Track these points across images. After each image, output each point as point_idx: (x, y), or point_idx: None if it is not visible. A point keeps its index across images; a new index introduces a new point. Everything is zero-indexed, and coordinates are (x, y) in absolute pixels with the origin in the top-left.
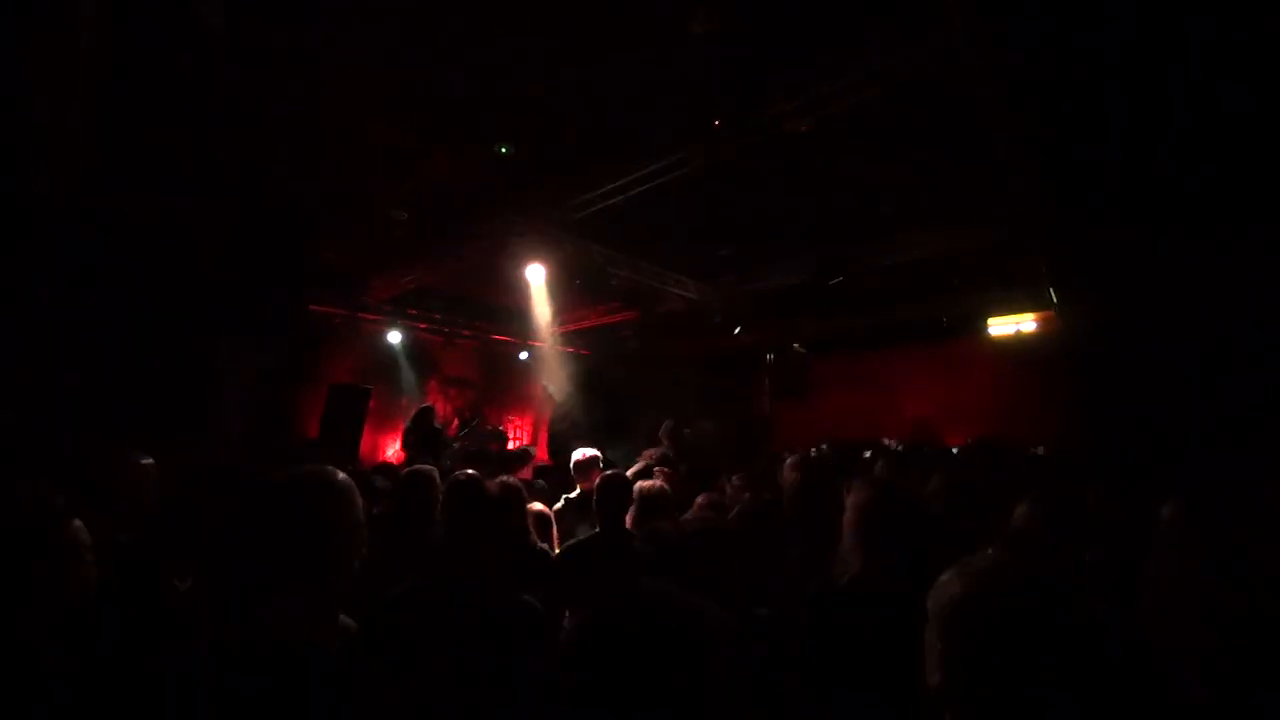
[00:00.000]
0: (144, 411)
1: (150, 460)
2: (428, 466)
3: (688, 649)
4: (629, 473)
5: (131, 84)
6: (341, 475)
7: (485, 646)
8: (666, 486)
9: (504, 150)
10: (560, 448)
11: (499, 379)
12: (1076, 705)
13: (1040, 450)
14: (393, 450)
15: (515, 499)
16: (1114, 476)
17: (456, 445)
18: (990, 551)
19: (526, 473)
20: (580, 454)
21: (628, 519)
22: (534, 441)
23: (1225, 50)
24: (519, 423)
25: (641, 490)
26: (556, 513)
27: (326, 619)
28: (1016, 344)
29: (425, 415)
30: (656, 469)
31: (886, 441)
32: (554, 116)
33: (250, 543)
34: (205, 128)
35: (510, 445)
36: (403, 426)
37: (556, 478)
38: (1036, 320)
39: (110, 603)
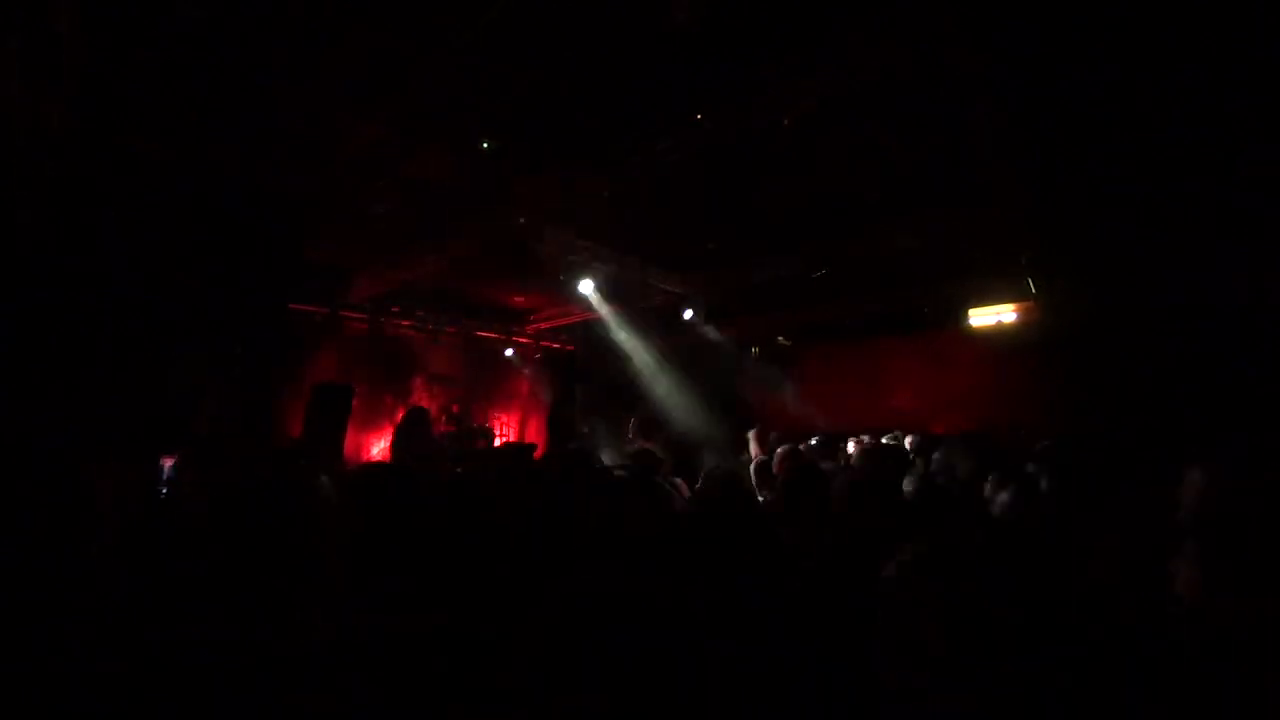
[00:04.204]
0: (124, 414)
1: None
2: None
3: None
4: None
5: (111, 79)
6: None
7: None
8: None
9: (485, 145)
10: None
11: (485, 376)
12: None
13: (1022, 434)
14: (378, 450)
15: None
16: (1093, 464)
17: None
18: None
19: None
20: None
21: None
22: (521, 438)
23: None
24: (505, 420)
25: None
26: None
27: None
28: (997, 334)
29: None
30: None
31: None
32: (535, 109)
33: None
34: (184, 124)
35: (497, 442)
36: (392, 431)
37: None
38: (1016, 310)
39: None
